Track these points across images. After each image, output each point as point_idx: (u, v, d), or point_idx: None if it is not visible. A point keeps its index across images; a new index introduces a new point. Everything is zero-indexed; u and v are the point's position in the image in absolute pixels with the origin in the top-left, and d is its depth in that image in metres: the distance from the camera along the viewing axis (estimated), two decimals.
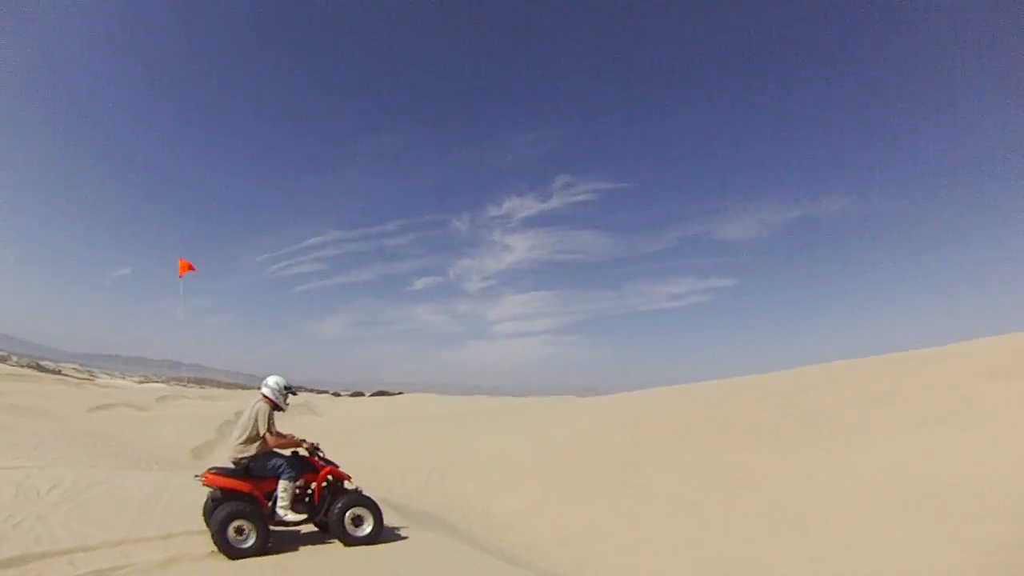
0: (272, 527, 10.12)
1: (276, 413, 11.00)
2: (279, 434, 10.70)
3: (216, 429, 40.28)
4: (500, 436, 38.11)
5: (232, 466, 10.46)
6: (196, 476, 10.51)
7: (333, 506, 10.68)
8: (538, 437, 36.59)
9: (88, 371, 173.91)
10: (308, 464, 11.05)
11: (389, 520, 13.32)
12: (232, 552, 9.31)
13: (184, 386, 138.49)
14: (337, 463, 11.59)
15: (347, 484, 11.41)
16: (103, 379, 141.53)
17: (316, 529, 11.47)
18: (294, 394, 12.12)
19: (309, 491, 10.93)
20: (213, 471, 10.26)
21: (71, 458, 21.13)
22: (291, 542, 10.52)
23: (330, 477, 11.11)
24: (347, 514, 10.68)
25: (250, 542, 9.58)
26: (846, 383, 39.96)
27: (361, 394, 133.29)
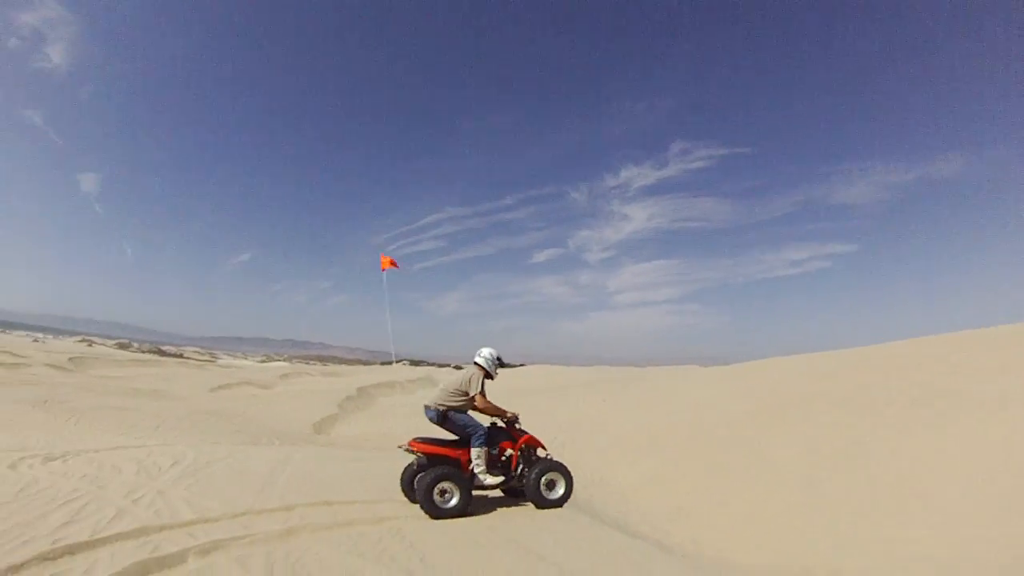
0: (472, 491, 10.89)
1: (487, 380, 11.91)
2: (487, 400, 11.52)
3: (338, 404, 41.18)
4: (619, 406, 38.05)
5: (433, 411, 11.39)
6: (400, 446, 11.58)
7: (529, 472, 11.42)
8: (657, 407, 36.35)
9: (210, 353, 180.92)
10: (504, 433, 11.88)
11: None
12: (436, 512, 10.21)
13: (307, 363, 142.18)
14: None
15: (540, 452, 12.20)
16: (225, 360, 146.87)
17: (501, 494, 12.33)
18: (503, 365, 13.27)
19: (505, 456, 11.79)
20: (419, 440, 11.21)
21: (192, 436, 21.83)
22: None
23: (524, 445, 11.87)
24: (542, 479, 11.45)
25: (453, 503, 10.45)
26: (977, 354, 38.32)
27: None
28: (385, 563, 7.51)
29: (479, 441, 11.27)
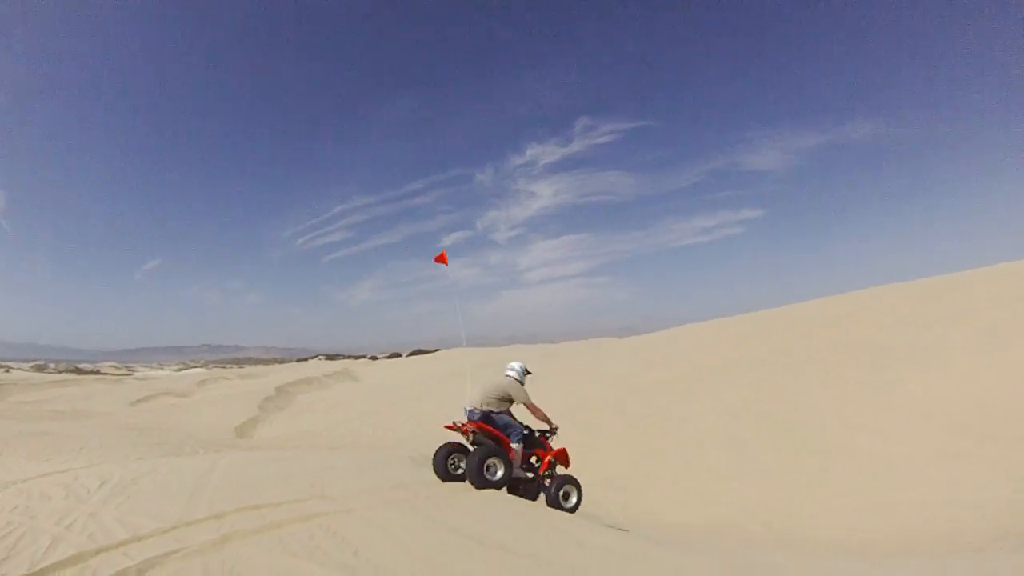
0: (512, 471, 12.63)
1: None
2: (537, 407, 13.19)
3: (258, 406, 40.89)
4: (538, 383, 38.31)
5: (477, 413, 12.90)
6: (447, 426, 13.47)
7: (551, 483, 12.93)
8: (578, 380, 36.94)
9: (126, 367, 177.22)
10: (537, 440, 13.52)
11: (428, 479, 13.68)
12: (482, 483, 11.95)
13: (224, 368, 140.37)
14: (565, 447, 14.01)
15: (562, 469, 13.70)
16: (141, 372, 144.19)
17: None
18: (530, 373, 14.20)
19: (533, 459, 13.46)
20: (477, 423, 12.76)
21: (117, 453, 21.52)
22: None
23: (554, 457, 13.48)
24: (561, 491, 12.82)
25: (498, 476, 12.12)
26: (887, 309, 39.81)
27: (399, 355, 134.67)
28: (319, 560, 7.54)
29: (517, 439, 12.86)
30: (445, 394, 38.17)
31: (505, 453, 12.46)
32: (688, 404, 28.16)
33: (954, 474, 18.89)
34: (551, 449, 13.59)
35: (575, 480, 13.33)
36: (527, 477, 13.27)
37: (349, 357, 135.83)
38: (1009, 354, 26.06)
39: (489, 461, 12.07)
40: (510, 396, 13.17)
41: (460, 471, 12.97)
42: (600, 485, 20.98)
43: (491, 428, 12.75)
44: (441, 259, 16.21)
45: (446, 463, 13.00)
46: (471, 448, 13.00)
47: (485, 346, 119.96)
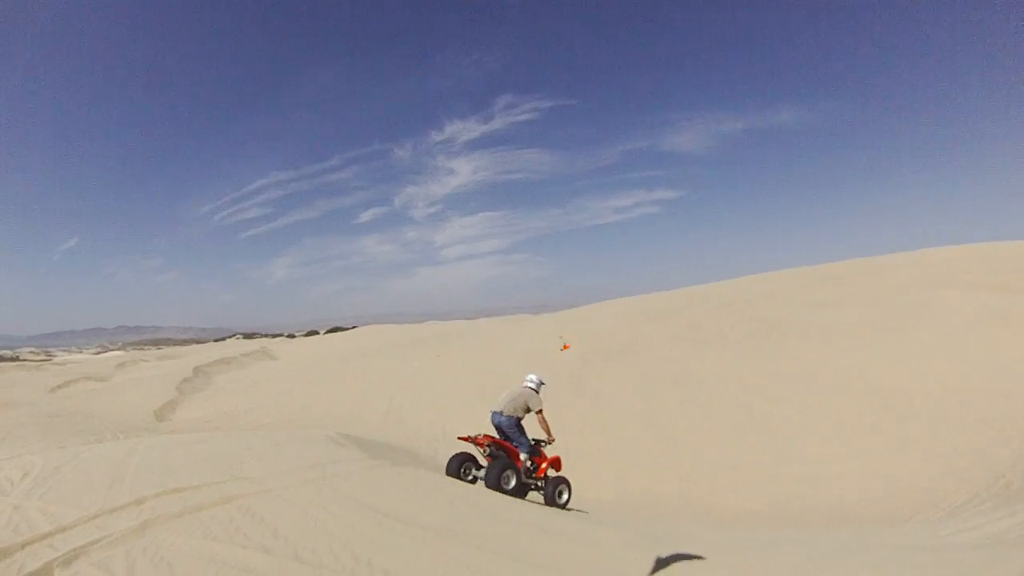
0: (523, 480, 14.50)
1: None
2: (545, 418, 14.92)
3: (176, 388, 40.29)
4: (454, 360, 38.50)
5: (506, 419, 14.65)
6: (464, 437, 14.96)
7: (548, 483, 14.54)
8: (493, 357, 37.14)
9: (45, 351, 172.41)
10: (537, 450, 15.20)
11: (353, 455, 14.23)
12: (499, 489, 13.50)
13: (142, 350, 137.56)
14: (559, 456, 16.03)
15: (554, 472, 15.33)
16: (61, 357, 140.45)
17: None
18: (544, 384, 15.84)
19: (532, 465, 14.99)
20: (488, 436, 14.74)
21: (39, 443, 21.23)
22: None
23: (551, 464, 15.29)
24: (556, 490, 14.51)
25: (511, 485, 13.77)
26: (798, 290, 41.02)
27: (316, 333, 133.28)
28: (240, 543, 7.70)
29: (525, 451, 14.74)
30: (364, 372, 38.16)
31: (516, 464, 14.23)
32: (604, 379, 28.66)
33: (873, 448, 19.78)
34: (546, 457, 15.33)
35: (566, 480, 14.99)
36: (532, 483, 14.81)
37: (267, 336, 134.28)
38: (913, 335, 27.38)
39: (505, 473, 13.80)
40: (528, 405, 14.84)
41: (471, 478, 14.52)
42: None
43: (503, 442, 14.71)
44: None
45: (459, 471, 14.51)
46: (483, 459, 14.86)
47: (402, 323, 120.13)
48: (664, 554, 8.89)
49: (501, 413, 14.67)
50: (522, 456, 14.61)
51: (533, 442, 15.15)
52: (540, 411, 14.83)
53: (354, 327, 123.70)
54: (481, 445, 14.58)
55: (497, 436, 14.87)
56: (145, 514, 8.82)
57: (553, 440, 15.22)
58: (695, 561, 8.87)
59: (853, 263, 49.73)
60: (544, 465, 15.08)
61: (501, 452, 14.50)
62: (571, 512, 13.94)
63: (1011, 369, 23.11)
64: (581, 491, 18.97)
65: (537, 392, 15.22)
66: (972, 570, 7.84)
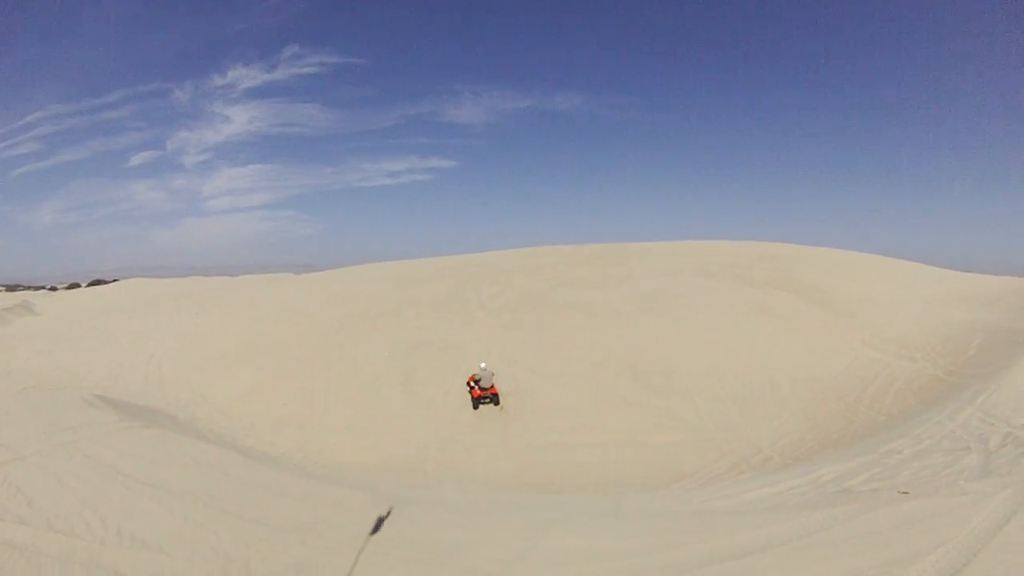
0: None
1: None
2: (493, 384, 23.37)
3: None
4: (215, 318, 37.14)
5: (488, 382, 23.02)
6: (468, 384, 23.60)
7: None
8: (253, 316, 36.20)
9: None
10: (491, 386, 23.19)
11: (108, 418, 14.10)
12: (476, 406, 22.85)
13: None
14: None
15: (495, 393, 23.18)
16: None
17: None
18: (492, 373, 23.58)
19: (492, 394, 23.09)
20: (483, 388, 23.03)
21: None
22: None
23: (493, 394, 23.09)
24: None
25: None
26: (562, 267, 41.78)
27: (78, 285, 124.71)
28: None
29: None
30: (125, 330, 36.48)
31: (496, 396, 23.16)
32: (363, 343, 28.68)
33: (632, 421, 20.97)
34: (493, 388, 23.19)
35: (496, 396, 22.96)
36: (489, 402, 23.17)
37: (29, 288, 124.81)
38: (675, 318, 29.62)
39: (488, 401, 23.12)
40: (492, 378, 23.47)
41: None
42: (273, 426, 21.58)
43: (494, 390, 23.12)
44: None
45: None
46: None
47: (164, 277, 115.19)
48: (403, 515, 9.58)
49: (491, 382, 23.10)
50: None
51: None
52: (492, 385, 23.03)
53: (116, 280, 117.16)
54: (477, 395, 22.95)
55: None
56: None
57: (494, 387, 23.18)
58: (436, 520, 9.72)
59: (620, 246, 51.02)
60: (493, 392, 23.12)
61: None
62: (320, 476, 14.37)
63: (768, 355, 25.46)
64: (337, 456, 19.44)
65: (488, 372, 23.17)
66: (718, 534, 8.45)
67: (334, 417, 22.17)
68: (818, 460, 15.79)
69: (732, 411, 21.43)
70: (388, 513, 9.67)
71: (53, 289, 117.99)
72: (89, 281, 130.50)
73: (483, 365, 23.44)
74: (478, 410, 22.14)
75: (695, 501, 12.21)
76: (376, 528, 9.05)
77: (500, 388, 22.87)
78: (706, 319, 29.51)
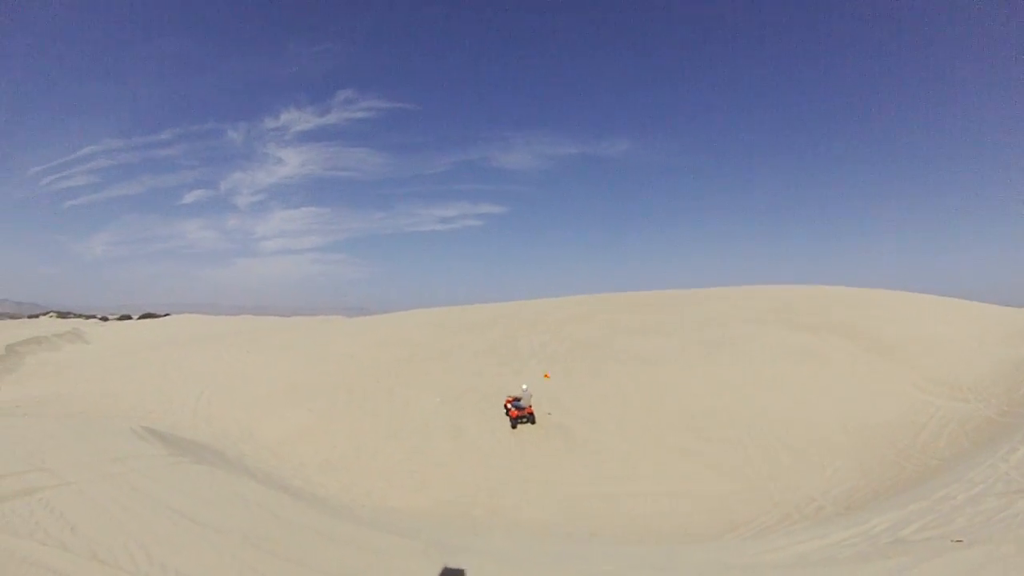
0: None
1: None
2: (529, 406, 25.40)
3: None
4: (267, 358, 37.45)
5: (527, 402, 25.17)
6: (505, 406, 25.78)
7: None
8: (304, 358, 36.44)
9: None
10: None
11: (156, 451, 13.88)
12: (514, 425, 24.72)
13: None
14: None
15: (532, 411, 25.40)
16: None
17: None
18: (531, 395, 26.20)
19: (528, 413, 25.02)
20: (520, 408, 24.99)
21: None
22: None
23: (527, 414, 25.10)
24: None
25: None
26: (615, 315, 41.84)
27: (129, 317, 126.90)
28: (39, 539, 7.67)
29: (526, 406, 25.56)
30: (175, 363, 36.90)
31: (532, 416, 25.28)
32: (413, 387, 28.68)
33: (683, 469, 20.54)
34: (529, 409, 25.13)
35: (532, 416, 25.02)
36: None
37: (80, 316, 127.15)
38: (726, 365, 29.15)
39: (524, 423, 25.04)
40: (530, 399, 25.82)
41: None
42: (322, 466, 21.21)
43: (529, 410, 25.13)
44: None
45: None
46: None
47: (215, 314, 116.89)
48: (451, 564, 9.24)
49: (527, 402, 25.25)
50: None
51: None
52: (529, 406, 25.11)
53: (167, 314, 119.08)
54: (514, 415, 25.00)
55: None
56: None
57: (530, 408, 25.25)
58: (486, 570, 9.37)
59: (673, 293, 51.37)
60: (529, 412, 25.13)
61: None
62: (368, 521, 13.92)
63: (819, 401, 24.80)
64: (385, 499, 19.08)
65: (526, 392, 25.53)
66: None
67: (383, 460, 21.89)
68: (871, 508, 15.38)
69: (784, 459, 20.88)
70: (437, 562, 9.37)
71: (104, 319, 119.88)
72: (141, 314, 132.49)
73: (525, 387, 25.84)
74: (527, 450, 22.47)
75: (747, 553, 12.03)
76: None
77: (552, 434, 22.92)
78: (758, 365, 29.03)
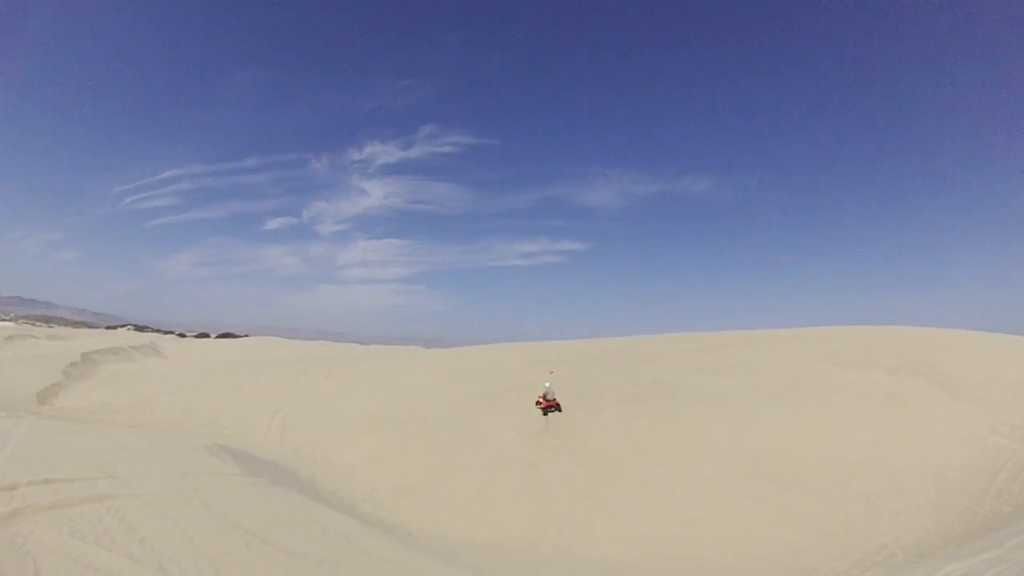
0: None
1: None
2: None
3: (63, 371, 38.45)
4: (344, 384, 37.60)
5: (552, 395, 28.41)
6: (537, 401, 28.95)
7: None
8: (381, 386, 36.48)
9: None
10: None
11: (229, 469, 13.68)
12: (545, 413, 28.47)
13: (33, 325, 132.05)
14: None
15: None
16: None
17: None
18: (547, 386, 29.38)
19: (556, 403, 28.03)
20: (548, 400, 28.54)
21: None
22: None
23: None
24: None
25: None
26: (690, 354, 41.20)
27: (207, 335, 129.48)
28: (106, 546, 7.47)
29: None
30: (252, 383, 37.21)
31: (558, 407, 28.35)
32: (487, 421, 28.34)
33: (752, 514, 19.60)
34: (554, 400, 28.65)
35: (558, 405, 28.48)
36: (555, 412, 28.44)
37: (158, 331, 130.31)
38: (790, 409, 28.17)
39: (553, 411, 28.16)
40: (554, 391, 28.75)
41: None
42: (394, 494, 20.98)
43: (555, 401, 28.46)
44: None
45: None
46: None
47: (294, 338, 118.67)
48: None
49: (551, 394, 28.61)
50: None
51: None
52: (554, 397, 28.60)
53: (246, 335, 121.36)
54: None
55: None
56: (16, 502, 8.53)
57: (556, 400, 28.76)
58: None
59: (750, 333, 50.12)
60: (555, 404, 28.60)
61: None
62: (436, 552, 13.65)
63: (893, 445, 23.53)
64: (454, 531, 18.79)
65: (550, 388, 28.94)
66: None
67: (454, 491, 21.53)
68: (942, 556, 14.42)
69: (857, 506, 19.61)
70: None
71: (182, 336, 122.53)
72: (219, 333, 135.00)
73: (547, 384, 29.72)
74: (599, 488, 21.97)
75: None
76: None
77: (625, 474, 22.42)
78: (833, 409, 27.79)
